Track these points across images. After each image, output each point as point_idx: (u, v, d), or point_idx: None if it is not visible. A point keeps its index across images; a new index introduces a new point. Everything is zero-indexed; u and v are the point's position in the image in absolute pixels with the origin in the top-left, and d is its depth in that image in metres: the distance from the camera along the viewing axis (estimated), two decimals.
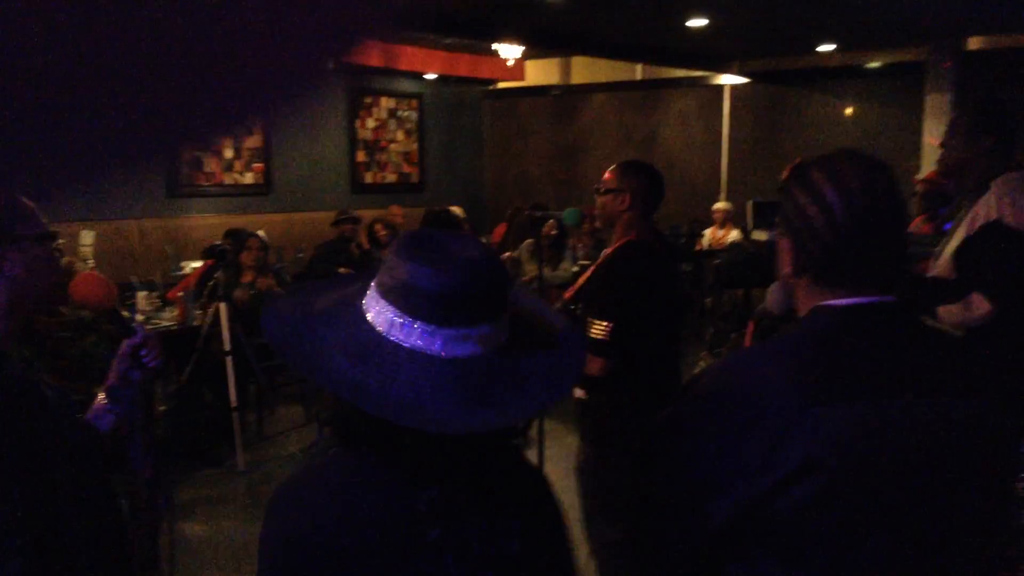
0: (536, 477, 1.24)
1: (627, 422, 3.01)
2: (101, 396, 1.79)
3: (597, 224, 3.74)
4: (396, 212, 8.95)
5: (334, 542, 1.07)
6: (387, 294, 1.08)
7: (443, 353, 1.04)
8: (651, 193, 3.08)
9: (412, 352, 1.04)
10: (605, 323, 2.85)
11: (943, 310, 2.67)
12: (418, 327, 1.04)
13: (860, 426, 1.15)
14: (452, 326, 1.04)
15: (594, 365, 2.86)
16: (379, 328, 1.08)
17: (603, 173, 3.13)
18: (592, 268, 3.17)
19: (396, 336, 1.06)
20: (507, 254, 7.29)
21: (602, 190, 3.09)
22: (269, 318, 1.14)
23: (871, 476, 1.16)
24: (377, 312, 1.08)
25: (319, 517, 1.10)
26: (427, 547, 1.05)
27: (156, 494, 2.02)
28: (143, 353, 1.77)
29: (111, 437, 1.81)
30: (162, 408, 4.99)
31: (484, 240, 9.08)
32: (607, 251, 3.12)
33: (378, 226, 7.66)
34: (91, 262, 6.27)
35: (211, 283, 5.33)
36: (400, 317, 1.05)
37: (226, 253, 5.50)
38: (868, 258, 1.25)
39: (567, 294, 3.36)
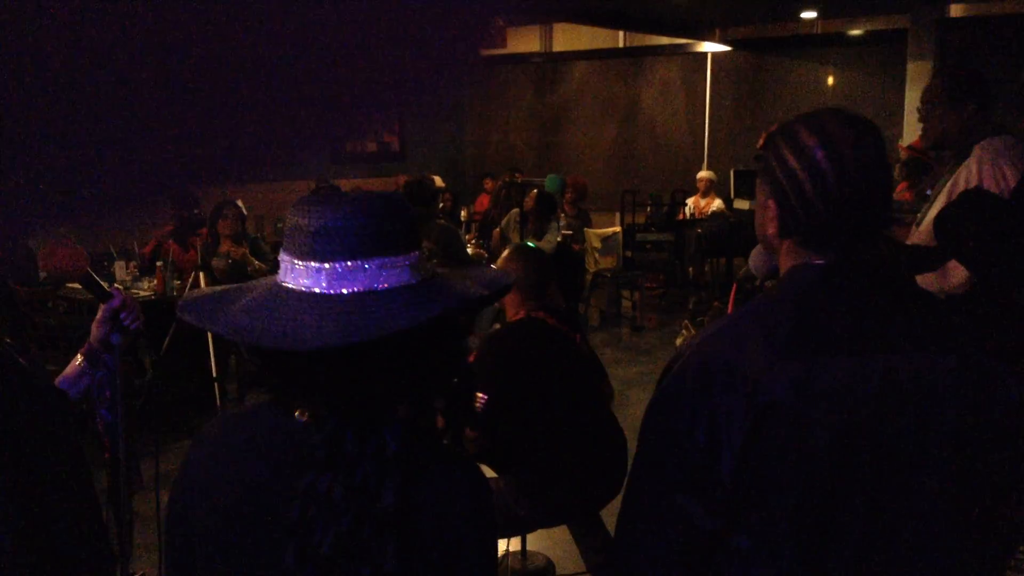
0: (441, 449, 1.15)
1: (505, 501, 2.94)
2: (79, 358, 1.78)
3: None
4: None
5: (221, 488, 1.08)
6: (284, 244, 1.09)
7: (328, 290, 1.03)
8: (528, 280, 3.02)
9: (300, 293, 1.04)
10: (482, 396, 2.86)
11: (920, 279, 2.64)
12: (303, 266, 1.05)
13: (835, 380, 1.15)
14: (335, 260, 1.03)
15: (469, 437, 2.86)
16: (279, 279, 1.09)
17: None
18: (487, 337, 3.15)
19: (289, 281, 1.06)
20: (496, 229, 7.19)
21: None
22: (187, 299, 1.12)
23: (848, 432, 1.16)
24: (281, 265, 1.09)
25: (212, 463, 1.11)
26: (315, 496, 1.01)
27: (132, 464, 2.00)
28: (123, 316, 1.76)
29: (83, 402, 1.79)
30: (147, 377, 4.96)
31: (465, 210, 9.04)
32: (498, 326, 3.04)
33: None
34: (62, 229, 6.20)
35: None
36: (290, 261, 1.06)
37: (203, 221, 5.45)
38: (855, 222, 1.24)
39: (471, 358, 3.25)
